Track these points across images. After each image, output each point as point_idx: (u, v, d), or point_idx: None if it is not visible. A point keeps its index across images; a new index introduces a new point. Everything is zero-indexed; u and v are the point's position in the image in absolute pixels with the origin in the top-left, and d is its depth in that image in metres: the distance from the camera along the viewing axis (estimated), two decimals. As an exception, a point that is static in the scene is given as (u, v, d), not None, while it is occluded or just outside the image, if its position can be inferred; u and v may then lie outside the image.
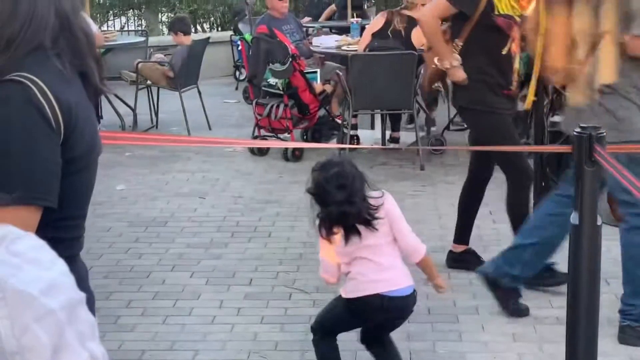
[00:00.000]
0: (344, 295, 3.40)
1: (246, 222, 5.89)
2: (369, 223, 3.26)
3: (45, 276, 1.06)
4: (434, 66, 4.75)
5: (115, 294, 4.65)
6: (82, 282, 2.27)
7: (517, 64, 4.70)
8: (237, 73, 11.28)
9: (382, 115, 7.84)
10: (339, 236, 3.29)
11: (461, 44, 4.60)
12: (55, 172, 1.73)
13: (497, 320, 4.25)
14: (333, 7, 11.13)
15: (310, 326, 3.59)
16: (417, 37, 7.54)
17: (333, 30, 9.86)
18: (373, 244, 3.31)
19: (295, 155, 7.49)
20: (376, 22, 7.76)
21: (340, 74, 7.58)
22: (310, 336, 3.57)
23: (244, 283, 4.79)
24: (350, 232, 3.28)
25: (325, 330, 3.51)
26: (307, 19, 11.10)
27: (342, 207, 3.21)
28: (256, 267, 5.04)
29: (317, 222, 3.33)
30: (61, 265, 1.10)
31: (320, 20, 11.02)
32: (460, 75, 4.59)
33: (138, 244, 5.45)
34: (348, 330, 3.58)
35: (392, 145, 7.89)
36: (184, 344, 4.04)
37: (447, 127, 7.87)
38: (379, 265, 3.32)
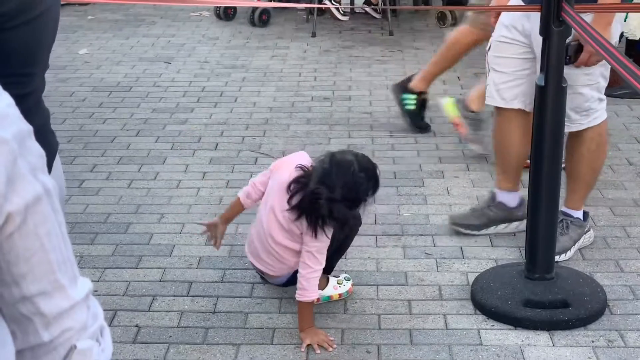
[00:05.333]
0: None
1: (212, 87, 5.82)
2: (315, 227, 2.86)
3: None
4: None
5: (79, 158, 4.60)
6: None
7: None
8: None
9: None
10: None
11: None
12: None
13: (462, 183, 4.28)
14: None
15: None
16: None
17: None
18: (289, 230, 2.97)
19: (262, 20, 7.37)
20: None
21: None
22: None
23: (209, 148, 4.76)
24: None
25: None
26: None
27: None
28: (222, 131, 5.00)
29: None
30: (7, 97, 1.05)
31: None
32: None
33: (102, 109, 5.37)
34: None
35: (359, 9, 7.75)
36: (149, 207, 4.04)
37: None
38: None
